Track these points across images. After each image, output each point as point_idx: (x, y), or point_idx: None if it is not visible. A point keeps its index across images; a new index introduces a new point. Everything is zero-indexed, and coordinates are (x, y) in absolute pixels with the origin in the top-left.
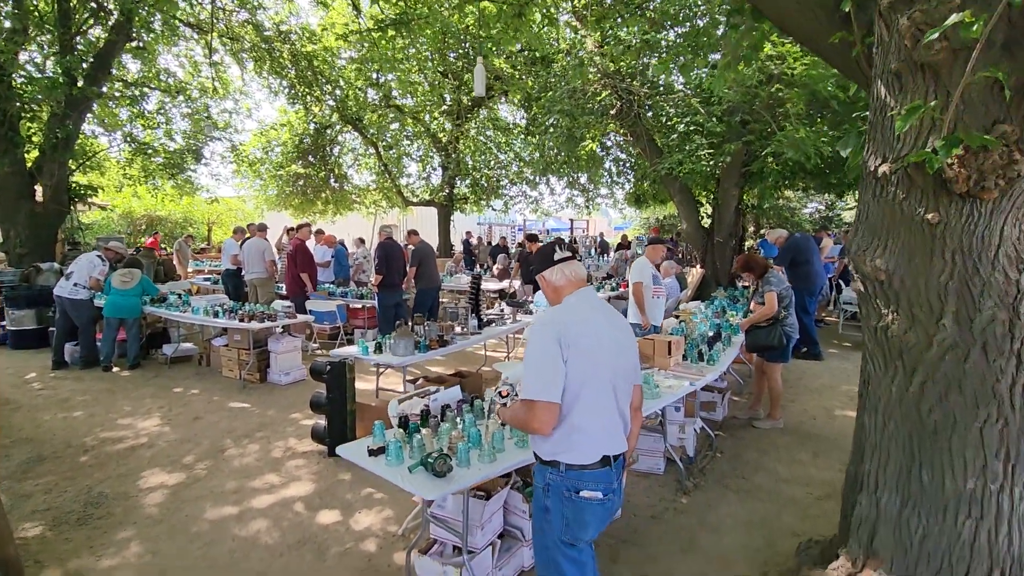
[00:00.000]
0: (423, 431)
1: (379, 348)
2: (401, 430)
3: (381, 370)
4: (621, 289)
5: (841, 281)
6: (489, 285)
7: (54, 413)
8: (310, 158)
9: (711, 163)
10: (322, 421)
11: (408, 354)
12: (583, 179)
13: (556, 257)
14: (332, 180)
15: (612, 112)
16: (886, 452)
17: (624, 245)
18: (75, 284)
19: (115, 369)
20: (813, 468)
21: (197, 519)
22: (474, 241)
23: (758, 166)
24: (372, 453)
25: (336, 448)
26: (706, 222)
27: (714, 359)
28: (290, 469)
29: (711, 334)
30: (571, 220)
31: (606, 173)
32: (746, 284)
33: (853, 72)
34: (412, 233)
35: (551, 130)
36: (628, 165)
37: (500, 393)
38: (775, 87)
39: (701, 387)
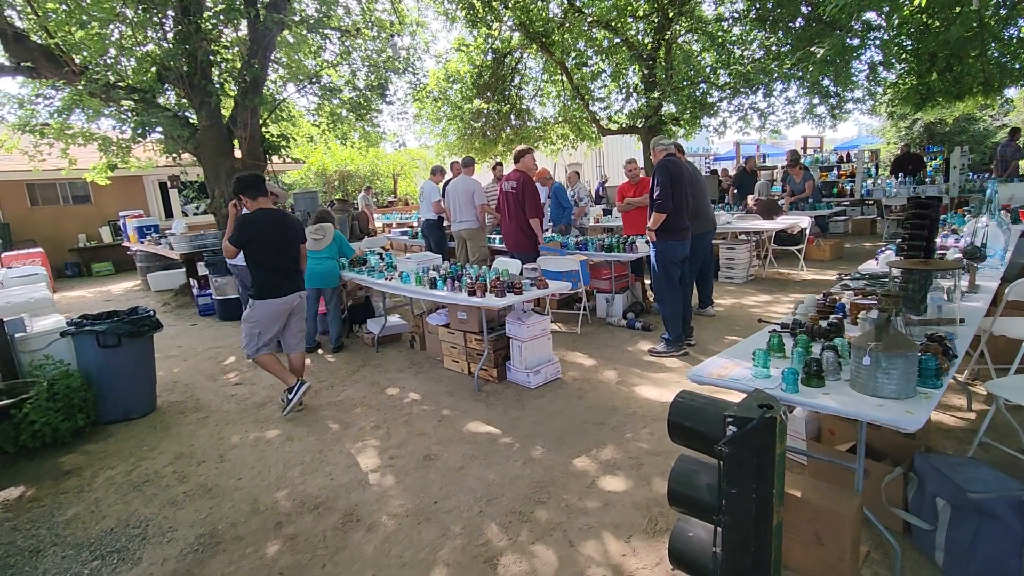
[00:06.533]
0: None
1: (818, 373)
2: None
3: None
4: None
5: None
6: (748, 224)
7: (244, 431)
8: (488, 94)
9: None
10: (697, 531)
11: (910, 394)
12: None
13: None
14: (512, 116)
15: None
16: None
17: (912, 162)
18: None
19: (319, 351)
20: None
21: None
22: None
23: None
24: None
25: None
26: None
27: None
28: None
29: None
30: (804, 138)
31: (866, 66)
32: None
33: None
34: (677, 150)
35: None
36: (898, 54)
37: None
38: None
39: None
